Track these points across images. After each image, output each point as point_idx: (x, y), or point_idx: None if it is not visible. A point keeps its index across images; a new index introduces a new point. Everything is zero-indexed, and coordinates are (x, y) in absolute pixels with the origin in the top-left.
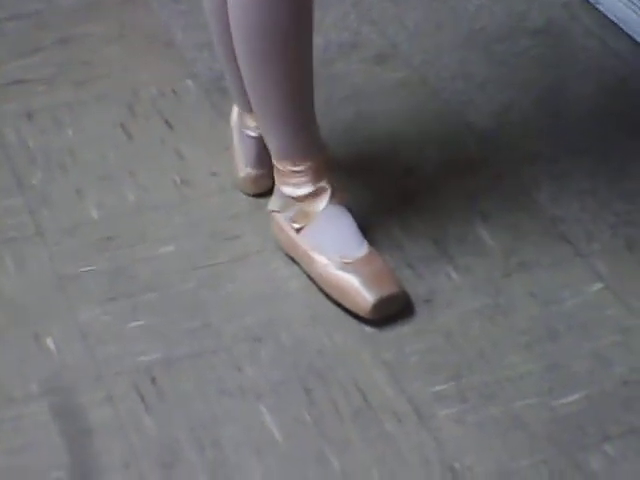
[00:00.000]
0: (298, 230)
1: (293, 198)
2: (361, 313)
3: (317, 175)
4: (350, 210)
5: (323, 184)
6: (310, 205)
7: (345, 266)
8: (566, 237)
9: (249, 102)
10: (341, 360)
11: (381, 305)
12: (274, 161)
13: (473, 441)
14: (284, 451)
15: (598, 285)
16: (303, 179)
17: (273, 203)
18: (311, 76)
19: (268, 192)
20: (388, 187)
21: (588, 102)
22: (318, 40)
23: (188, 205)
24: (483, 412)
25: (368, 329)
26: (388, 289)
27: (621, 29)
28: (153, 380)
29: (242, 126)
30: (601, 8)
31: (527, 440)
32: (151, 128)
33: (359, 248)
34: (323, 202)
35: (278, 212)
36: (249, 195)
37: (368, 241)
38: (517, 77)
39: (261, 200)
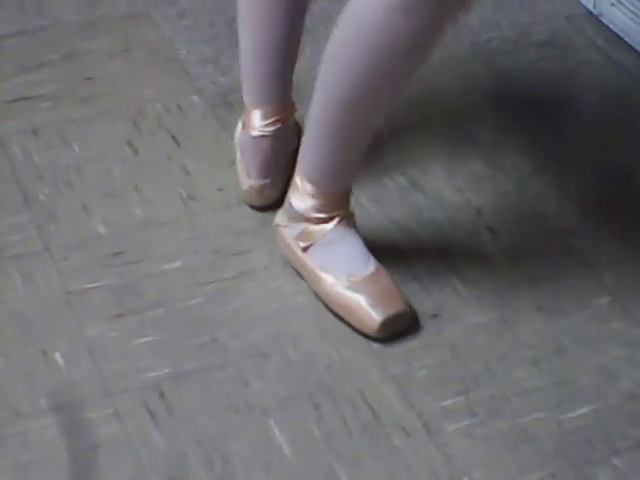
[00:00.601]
0: (304, 249)
1: (302, 215)
2: (368, 332)
3: (335, 206)
4: (356, 227)
5: (337, 212)
6: (318, 226)
7: (352, 285)
8: (573, 250)
9: (263, 94)
10: (349, 375)
11: (388, 324)
12: (298, 176)
13: (482, 455)
14: (293, 466)
15: (605, 298)
16: (320, 206)
17: (280, 217)
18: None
19: (274, 205)
20: (394, 201)
21: (592, 114)
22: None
23: (195, 220)
24: (491, 426)
25: (376, 344)
26: (395, 308)
27: (625, 42)
28: (161, 395)
29: (248, 128)
30: (605, 21)
31: (535, 454)
32: (157, 144)
33: (366, 266)
34: (331, 225)
35: (284, 227)
36: (255, 208)
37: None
38: (522, 91)
39: (267, 215)
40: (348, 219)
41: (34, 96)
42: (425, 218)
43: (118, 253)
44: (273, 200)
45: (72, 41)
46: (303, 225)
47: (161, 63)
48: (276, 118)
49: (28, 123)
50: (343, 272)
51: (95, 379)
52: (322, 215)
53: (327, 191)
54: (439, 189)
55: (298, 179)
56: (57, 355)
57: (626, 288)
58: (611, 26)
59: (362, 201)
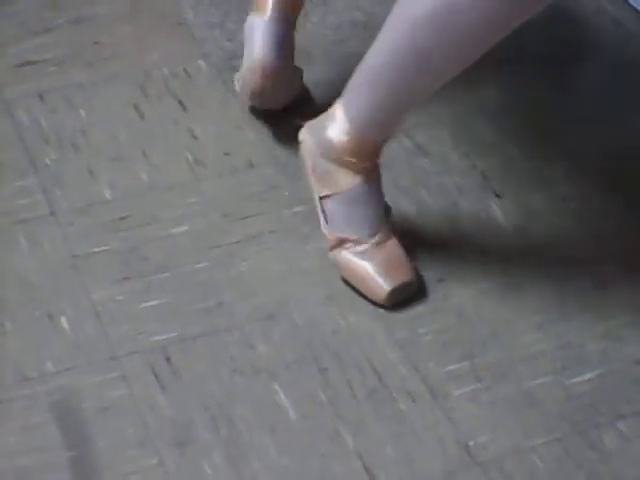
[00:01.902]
0: (322, 197)
1: (332, 149)
2: (377, 300)
3: (368, 155)
4: (380, 181)
5: (367, 163)
6: (344, 175)
7: (361, 251)
8: (579, 217)
9: None
10: (355, 340)
11: (396, 293)
12: (340, 110)
13: (487, 420)
14: (298, 430)
15: (611, 265)
16: (353, 148)
17: (307, 134)
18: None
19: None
20: (401, 167)
21: (601, 81)
22: (331, 19)
23: (201, 185)
24: (497, 391)
25: (382, 309)
26: (403, 277)
27: (635, 9)
28: (167, 359)
29: (259, 12)
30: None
31: (541, 419)
32: (163, 108)
33: (377, 232)
34: (357, 181)
35: (309, 149)
36: (255, 105)
37: None
38: (530, 55)
39: (274, 179)
40: (375, 172)
41: (40, 60)
42: (432, 183)
43: (124, 217)
44: (280, 100)
45: (79, 5)
46: (329, 165)
47: (168, 27)
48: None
49: (34, 87)
50: (354, 236)
51: (101, 343)
52: (353, 160)
53: (365, 137)
54: (446, 154)
55: (340, 113)
56: (63, 319)
57: (631, 254)
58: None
59: None
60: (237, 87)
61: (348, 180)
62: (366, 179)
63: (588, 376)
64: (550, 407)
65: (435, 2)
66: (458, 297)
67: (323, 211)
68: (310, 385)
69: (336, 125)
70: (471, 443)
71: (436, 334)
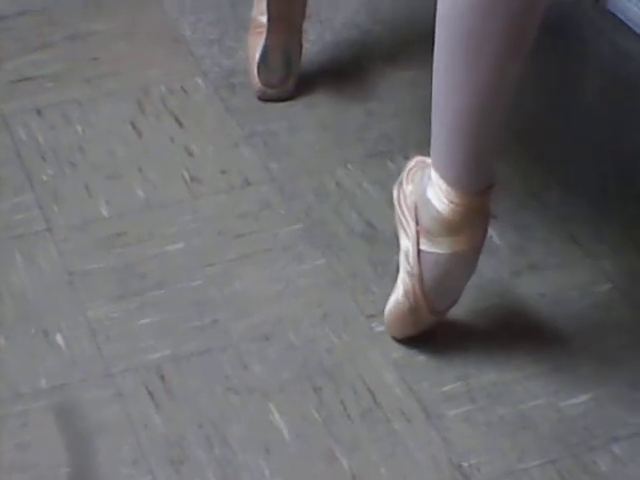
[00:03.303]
0: (419, 251)
1: (437, 213)
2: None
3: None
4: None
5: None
6: (446, 238)
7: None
8: (575, 237)
9: None
10: (350, 359)
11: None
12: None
13: (481, 441)
14: (292, 450)
15: (607, 286)
16: (455, 208)
17: (403, 192)
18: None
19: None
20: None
21: (598, 102)
22: (328, 37)
23: (197, 202)
24: (491, 412)
25: (377, 328)
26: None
27: (632, 30)
28: (162, 377)
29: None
30: (612, 9)
31: (535, 440)
32: (160, 125)
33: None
34: (458, 245)
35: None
36: (267, 94)
37: (375, 238)
38: (527, 77)
39: (270, 197)
40: (482, 235)
41: (38, 76)
42: None
43: (120, 234)
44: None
45: (77, 21)
46: (432, 224)
47: (166, 44)
48: None
49: (32, 103)
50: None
51: (96, 360)
52: (457, 218)
53: (467, 191)
54: None
55: (433, 176)
56: (58, 336)
57: (628, 276)
58: (618, 13)
59: (365, 184)
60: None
61: (447, 244)
62: (467, 245)
63: (582, 398)
64: (544, 429)
65: (465, 25)
66: (453, 317)
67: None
68: (304, 405)
69: (433, 186)
70: (465, 464)
71: (431, 355)
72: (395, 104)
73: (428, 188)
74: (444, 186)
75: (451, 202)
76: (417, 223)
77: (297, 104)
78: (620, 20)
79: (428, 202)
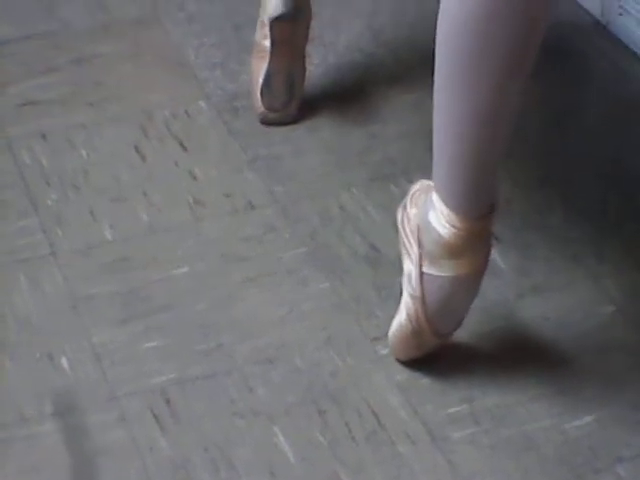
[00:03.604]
0: (422, 274)
1: (440, 237)
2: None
3: (476, 237)
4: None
5: (477, 245)
6: (449, 261)
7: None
8: (578, 259)
9: None
10: (354, 382)
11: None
12: (435, 196)
13: (486, 463)
14: (298, 473)
15: (610, 308)
16: (458, 232)
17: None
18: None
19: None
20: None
21: (599, 124)
22: (331, 60)
23: (201, 226)
24: (496, 434)
25: (381, 351)
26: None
27: (633, 51)
28: (167, 401)
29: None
30: (612, 30)
31: (539, 462)
32: (164, 149)
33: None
34: (462, 271)
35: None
36: (270, 118)
37: (379, 261)
38: (529, 100)
39: (274, 221)
40: (485, 258)
41: (43, 100)
42: None
43: (124, 258)
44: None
45: (81, 46)
46: (434, 248)
47: (170, 68)
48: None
49: (36, 127)
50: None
51: (101, 384)
52: (459, 242)
53: (468, 216)
54: None
55: (435, 199)
56: (63, 360)
57: (631, 297)
58: (619, 35)
59: (368, 208)
60: None
61: (452, 268)
62: (472, 270)
63: (586, 420)
64: (548, 451)
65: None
66: (457, 340)
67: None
68: (309, 428)
69: (435, 210)
70: None
71: (435, 377)
72: (398, 127)
73: (430, 212)
74: (446, 210)
75: (453, 226)
76: (420, 246)
77: (300, 127)
78: (621, 41)
79: (430, 225)
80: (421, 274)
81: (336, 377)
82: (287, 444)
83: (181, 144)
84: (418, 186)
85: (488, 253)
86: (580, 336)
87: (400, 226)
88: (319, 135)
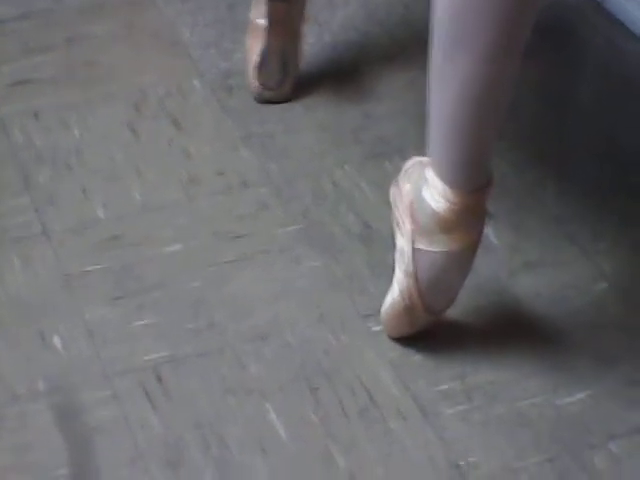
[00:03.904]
0: (415, 250)
1: (433, 212)
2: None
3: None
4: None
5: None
6: (444, 235)
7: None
8: (571, 236)
9: None
10: (347, 359)
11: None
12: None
13: (478, 439)
14: (290, 450)
15: (603, 285)
16: (451, 207)
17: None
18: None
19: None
20: None
21: (595, 102)
22: (327, 39)
23: (194, 204)
24: (488, 411)
25: (374, 328)
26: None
27: (629, 29)
28: (159, 378)
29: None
30: (609, 8)
31: (532, 439)
32: (158, 127)
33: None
34: (456, 247)
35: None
36: (265, 96)
37: (372, 239)
38: (525, 78)
39: (267, 199)
40: (478, 233)
41: (36, 79)
42: None
43: (117, 236)
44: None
45: (74, 25)
46: (427, 223)
47: (163, 47)
48: None
49: (29, 106)
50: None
51: (93, 362)
52: (452, 217)
53: (463, 190)
54: None
55: (429, 175)
56: (55, 338)
57: (624, 274)
58: (616, 14)
59: (362, 185)
60: None
61: (447, 244)
62: (465, 246)
63: (580, 396)
64: (541, 427)
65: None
66: (450, 316)
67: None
68: (301, 405)
69: (428, 185)
70: (462, 463)
71: (427, 354)
72: (392, 105)
73: (424, 187)
74: (440, 185)
75: (447, 201)
76: (413, 222)
77: (295, 106)
78: (617, 19)
79: (424, 201)
80: (414, 250)
81: (329, 354)
82: (279, 421)
83: (175, 122)
84: (411, 163)
85: (481, 229)
86: (573, 313)
87: (393, 203)
88: (313, 113)
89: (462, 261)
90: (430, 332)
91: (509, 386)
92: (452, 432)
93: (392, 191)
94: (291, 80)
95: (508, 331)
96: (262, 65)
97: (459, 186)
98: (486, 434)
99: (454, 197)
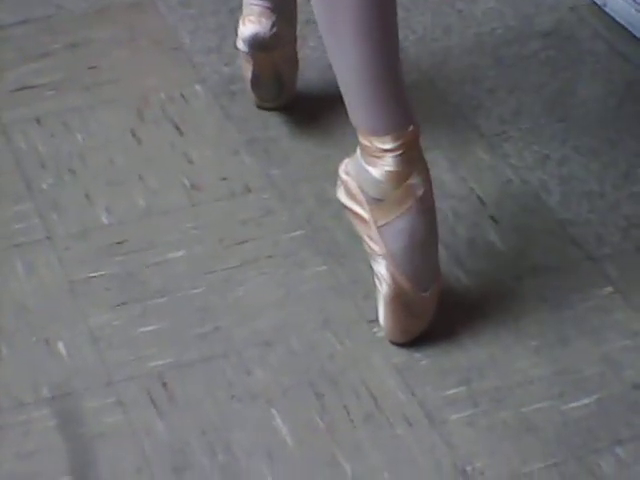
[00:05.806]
0: (379, 228)
1: (375, 179)
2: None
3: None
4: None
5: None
6: (393, 198)
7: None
8: (576, 241)
9: None
10: (352, 365)
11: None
12: (360, 137)
13: (485, 445)
14: (295, 455)
15: (608, 289)
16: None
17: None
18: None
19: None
20: None
21: (596, 105)
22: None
23: (198, 209)
24: (494, 416)
25: (379, 333)
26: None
27: (629, 32)
28: (164, 384)
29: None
30: (609, 11)
31: (538, 444)
32: (160, 133)
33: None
34: (405, 199)
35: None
36: (265, 106)
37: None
38: (526, 81)
39: (271, 204)
40: (426, 188)
41: (38, 85)
42: None
43: (121, 242)
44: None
45: (76, 30)
46: (378, 192)
47: (165, 52)
48: None
49: (31, 111)
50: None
51: (98, 368)
52: (394, 169)
53: (393, 136)
54: (442, 179)
55: (360, 153)
56: (60, 344)
57: (629, 278)
58: (615, 16)
59: None
60: None
61: (399, 204)
62: (414, 202)
63: (586, 401)
64: (548, 432)
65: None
66: (455, 322)
67: None
68: (307, 410)
69: (361, 150)
70: (468, 468)
71: (433, 359)
72: None
73: (361, 164)
74: (374, 141)
75: (383, 153)
76: (368, 202)
77: (297, 110)
78: (617, 22)
79: (366, 172)
80: (378, 229)
81: (334, 359)
82: (285, 427)
83: (177, 128)
84: (344, 163)
85: (429, 184)
86: (578, 317)
87: (347, 203)
88: (316, 118)
89: (423, 219)
90: (435, 337)
91: (515, 391)
92: (458, 437)
93: (341, 195)
94: (289, 90)
95: (513, 336)
96: (255, 84)
97: (388, 132)
98: (492, 439)
99: (387, 145)
